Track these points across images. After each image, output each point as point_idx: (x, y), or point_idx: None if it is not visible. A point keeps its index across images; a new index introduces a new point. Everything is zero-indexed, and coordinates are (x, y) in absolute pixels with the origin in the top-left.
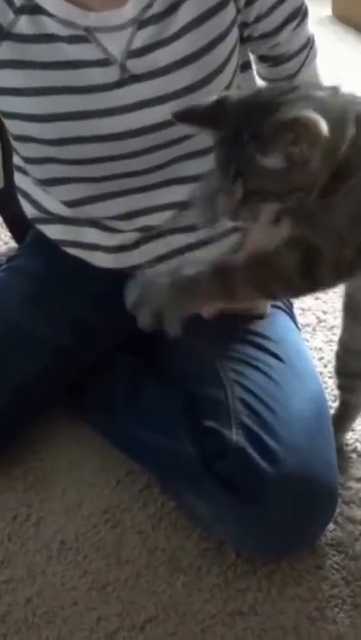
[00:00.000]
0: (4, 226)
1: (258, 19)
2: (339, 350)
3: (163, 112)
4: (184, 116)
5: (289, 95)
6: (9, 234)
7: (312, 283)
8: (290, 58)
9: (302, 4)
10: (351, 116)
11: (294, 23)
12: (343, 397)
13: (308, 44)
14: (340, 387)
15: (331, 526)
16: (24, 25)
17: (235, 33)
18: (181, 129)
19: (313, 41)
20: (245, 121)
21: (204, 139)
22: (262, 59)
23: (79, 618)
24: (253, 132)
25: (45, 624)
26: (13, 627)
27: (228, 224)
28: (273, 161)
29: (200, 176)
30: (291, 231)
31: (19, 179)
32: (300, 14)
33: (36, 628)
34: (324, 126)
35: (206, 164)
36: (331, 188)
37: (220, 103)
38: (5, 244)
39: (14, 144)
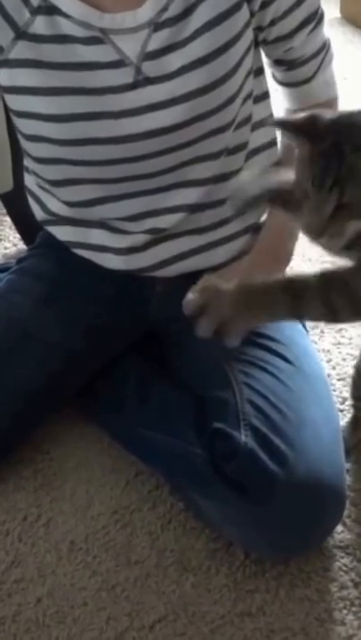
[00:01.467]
0: (14, 227)
1: (273, 22)
2: (355, 375)
3: (175, 114)
4: (281, 124)
5: None
6: (18, 235)
7: None
8: (305, 62)
9: (318, 8)
10: None
11: (310, 27)
12: (357, 414)
13: (324, 48)
14: (355, 407)
15: (339, 528)
16: (40, 25)
17: (248, 36)
18: (193, 132)
19: (329, 45)
20: (345, 135)
21: (215, 142)
22: (277, 62)
23: (89, 618)
24: (355, 145)
25: (55, 624)
26: (23, 626)
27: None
28: None
29: (209, 179)
30: None
31: (28, 180)
32: (315, 18)
33: (46, 628)
34: None
35: (216, 167)
36: None
37: (313, 118)
38: (14, 245)
39: (25, 144)
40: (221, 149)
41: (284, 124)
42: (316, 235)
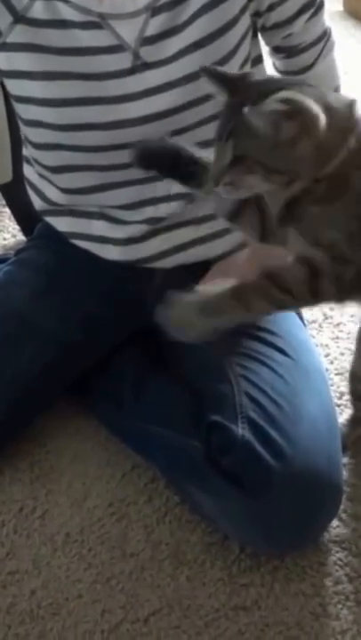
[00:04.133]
0: (13, 219)
1: (271, 7)
2: (351, 375)
3: (171, 98)
4: (211, 74)
5: (302, 87)
6: (17, 227)
7: (317, 299)
8: (304, 49)
9: None
10: (358, 131)
11: (308, 14)
12: (357, 413)
13: (325, 36)
14: (355, 405)
15: (335, 523)
16: (38, 9)
17: (245, 21)
18: (188, 118)
19: (329, 34)
20: (253, 95)
21: (211, 129)
22: (277, 50)
23: (83, 610)
24: (253, 102)
25: (50, 616)
26: (18, 618)
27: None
28: (261, 123)
29: None
30: (298, 247)
31: (27, 170)
32: (315, 5)
33: (40, 620)
34: (322, 121)
35: (211, 157)
36: (327, 198)
37: (243, 77)
38: (13, 236)
39: (24, 130)
40: None
41: (215, 75)
42: (215, 182)
